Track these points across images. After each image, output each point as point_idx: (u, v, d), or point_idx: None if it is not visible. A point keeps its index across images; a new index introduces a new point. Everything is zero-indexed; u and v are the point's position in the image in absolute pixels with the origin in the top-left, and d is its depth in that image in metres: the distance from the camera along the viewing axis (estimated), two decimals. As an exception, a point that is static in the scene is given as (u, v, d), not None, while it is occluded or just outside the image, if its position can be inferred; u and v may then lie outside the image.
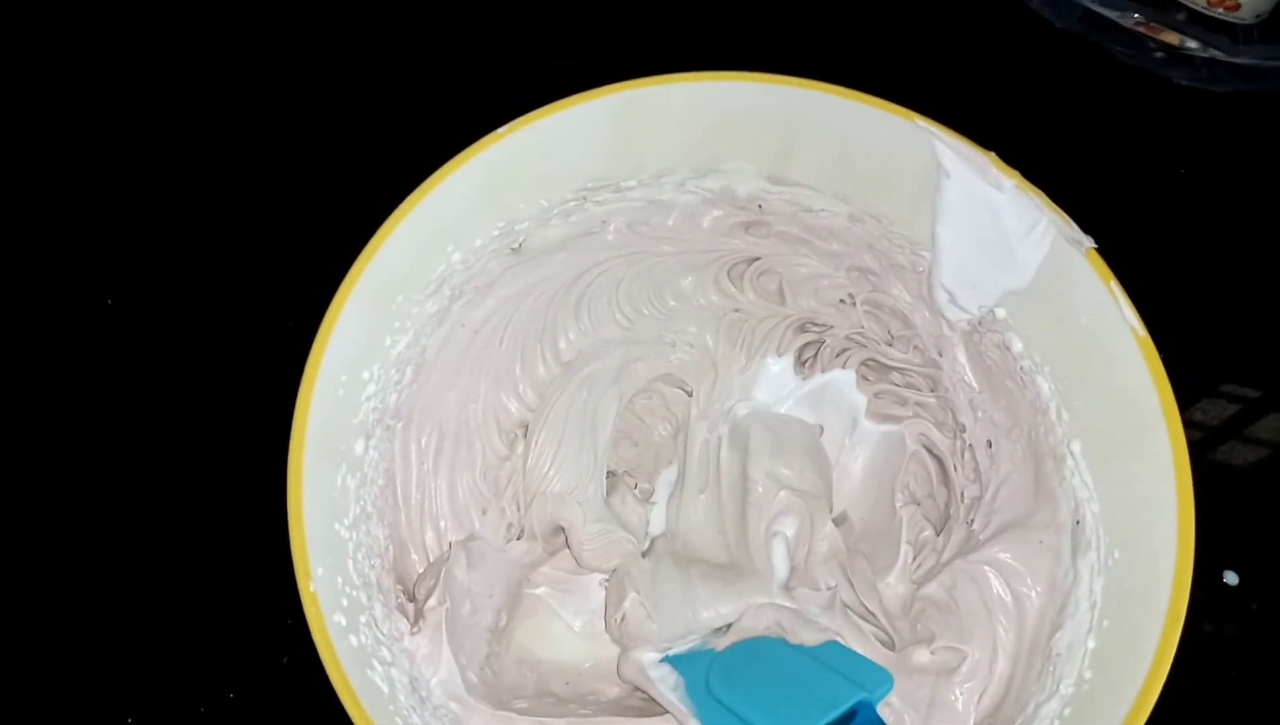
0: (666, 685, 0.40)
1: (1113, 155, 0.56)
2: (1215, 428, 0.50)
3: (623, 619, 0.41)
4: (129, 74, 0.59)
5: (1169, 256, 0.53)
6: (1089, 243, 0.40)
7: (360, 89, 0.59)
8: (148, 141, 0.57)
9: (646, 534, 0.46)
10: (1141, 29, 0.55)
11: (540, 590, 0.45)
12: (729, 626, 0.42)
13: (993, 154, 0.41)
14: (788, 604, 0.42)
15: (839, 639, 0.41)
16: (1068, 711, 0.36)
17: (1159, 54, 0.55)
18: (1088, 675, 0.36)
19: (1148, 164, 0.56)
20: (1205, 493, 0.35)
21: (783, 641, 0.41)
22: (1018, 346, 0.43)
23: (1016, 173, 0.41)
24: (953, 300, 0.45)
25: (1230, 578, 0.46)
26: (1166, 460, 0.36)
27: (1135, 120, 0.57)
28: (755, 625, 0.41)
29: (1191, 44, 0.53)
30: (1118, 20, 0.54)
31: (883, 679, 0.38)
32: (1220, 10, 0.54)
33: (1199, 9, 0.55)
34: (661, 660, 0.41)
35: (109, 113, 0.58)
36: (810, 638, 0.41)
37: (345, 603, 0.35)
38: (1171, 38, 0.54)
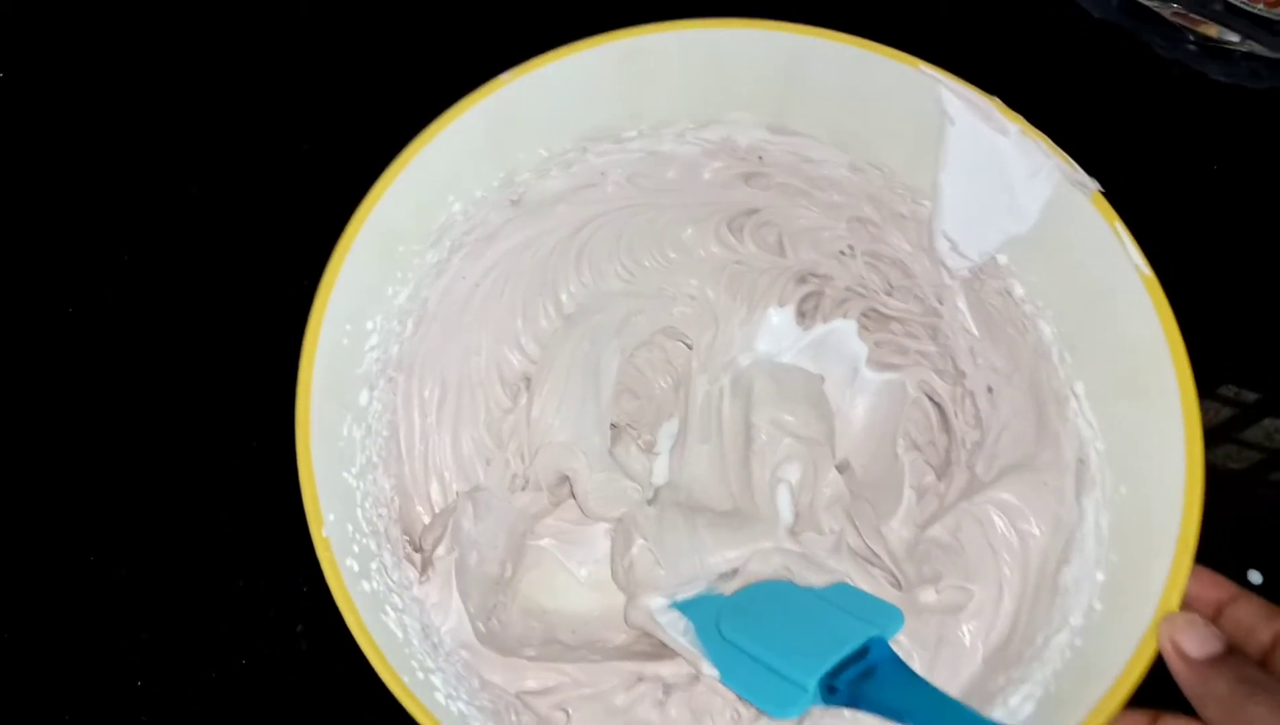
0: (676, 629, 0.40)
1: (1142, 148, 0.56)
2: (1210, 430, 0.50)
3: (630, 565, 0.41)
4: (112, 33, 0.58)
5: (1188, 251, 0.51)
6: (1094, 185, 0.40)
7: (361, 35, 0.58)
8: (145, 94, 0.56)
9: (650, 484, 0.46)
10: (1180, 20, 0.54)
11: (545, 542, 0.45)
12: (736, 572, 0.42)
13: (997, 99, 0.41)
14: (794, 548, 0.42)
15: (847, 580, 0.41)
16: (1079, 642, 0.36)
17: (1196, 47, 0.55)
18: (1097, 607, 0.37)
19: (1177, 158, 0.55)
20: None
21: (791, 584, 0.41)
22: (1019, 292, 0.43)
23: (1021, 117, 0.41)
24: (954, 248, 0.45)
25: (1254, 577, 0.47)
26: (1173, 394, 0.36)
27: (1167, 114, 0.56)
28: (762, 569, 0.42)
29: (1231, 36, 0.52)
30: (1157, 10, 0.53)
31: (893, 616, 0.38)
32: (1260, 6, 0.53)
33: (1238, 3, 0.54)
34: (669, 606, 0.41)
35: (106, 71, 0.57)
36: (818, 580, 0.41)
37: (356, 549, 0.35)
38: (1210, 29, 0.53)
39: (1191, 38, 0.55)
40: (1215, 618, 0.35)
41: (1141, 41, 0.56)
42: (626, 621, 0.42)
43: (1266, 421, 0.49)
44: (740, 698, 0.39)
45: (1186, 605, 0.34)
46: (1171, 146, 0.56)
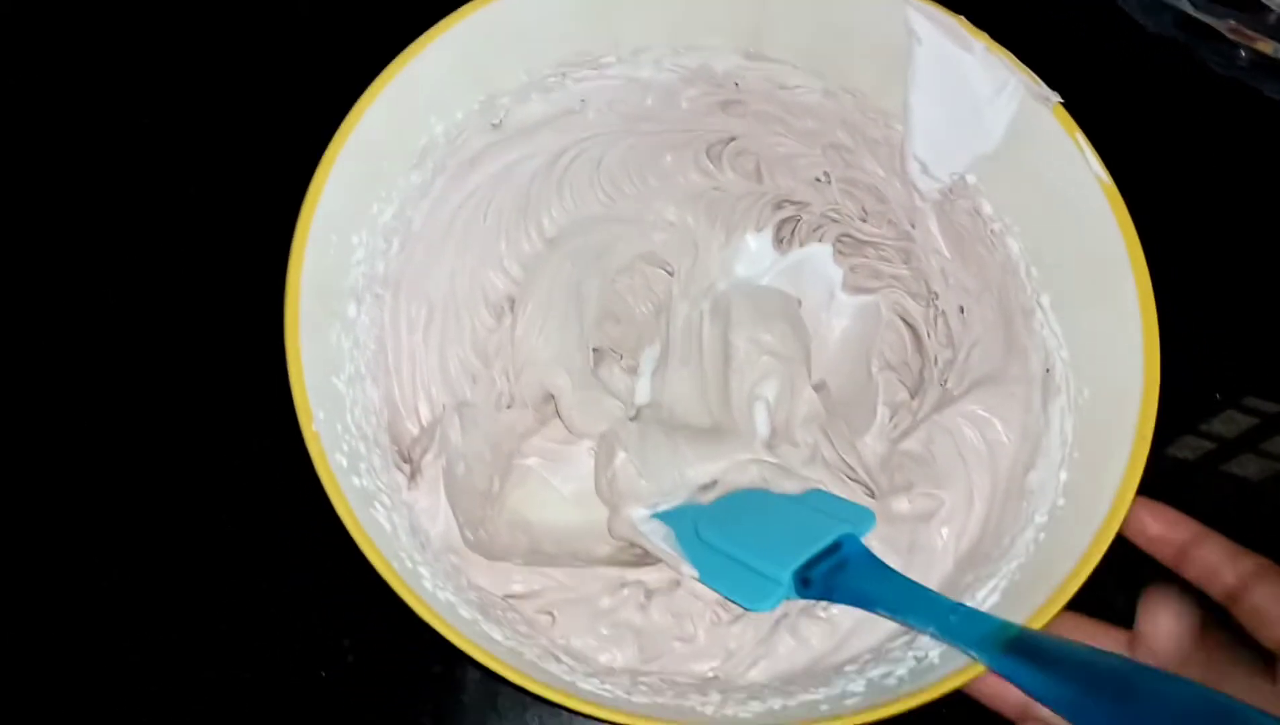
0: (657, 536, 0.41)
1: (1193, 162, 0.55)
2: (1230, 440, 0.50)
3: (613, 477, 0.43)
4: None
5: (1231, 262, 0.53)
6: (1056, 98, 0.41)
7: None
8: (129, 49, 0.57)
9: (633, 404, 0.47)
10: (1237, 35, 0.53)
11: (531, 461, 0.46)
12: (715, 483, 0.43)
13: (961, 17, 0.42)
14: (771, 459, 0.43)
15: (822, 487, 0.42)
16: (1042, 537, 0.38)
17: (1251, 63, 0.54)
18: (1060, 503, 0.38)
19: (1228, 174, 0.55)
20: (1216, 503, 0.35)
21: (767, 492, 0.42)
22: (988, 210, 0.45)
23: (985, 34, 0.42)
24: (925, 170, 0.46)
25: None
26: (1131, 296, 0.38)
27: (1220, 129, 0.56)
28: (740, 480, 0.43)
29: None
30: (1213, 24, 0.52)
31: (865, 516, 0.40)
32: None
33: None
34: (651, 517, 0.43)
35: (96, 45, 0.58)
36: (793, 488, 0.42)
37: (345, 448, 0.36)
38: (1266, 46, 0.52)
39: (1245, 54, 0.54)
40: (1179, 559, 0.35)
41: (1196, 57, 0.55)
42: (610, 532, 0.43)
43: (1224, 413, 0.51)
44: (723, 599, 0.41)
45: (1151, 547, 0.34)
46: (1223, 162, 0.56)
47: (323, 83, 0.42)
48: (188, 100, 0.54)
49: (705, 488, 0.43)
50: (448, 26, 0.41)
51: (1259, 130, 0.56)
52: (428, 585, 0.34)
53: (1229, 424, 0.50)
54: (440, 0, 0.41)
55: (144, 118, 0.54)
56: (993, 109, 0.43)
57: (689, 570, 0.40)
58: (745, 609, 0.39)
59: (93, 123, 0.54)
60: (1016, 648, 0.31)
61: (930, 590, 0.36)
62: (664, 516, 0.43)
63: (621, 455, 0.43)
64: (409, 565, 0.34)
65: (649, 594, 0.42)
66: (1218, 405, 0.50)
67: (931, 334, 0.48)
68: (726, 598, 0.40)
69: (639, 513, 0.43)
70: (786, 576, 0.37)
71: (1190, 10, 0.52)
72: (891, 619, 0.37)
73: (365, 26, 0.49)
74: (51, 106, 0.55)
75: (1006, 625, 0.32)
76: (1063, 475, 0.39)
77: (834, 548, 0.38)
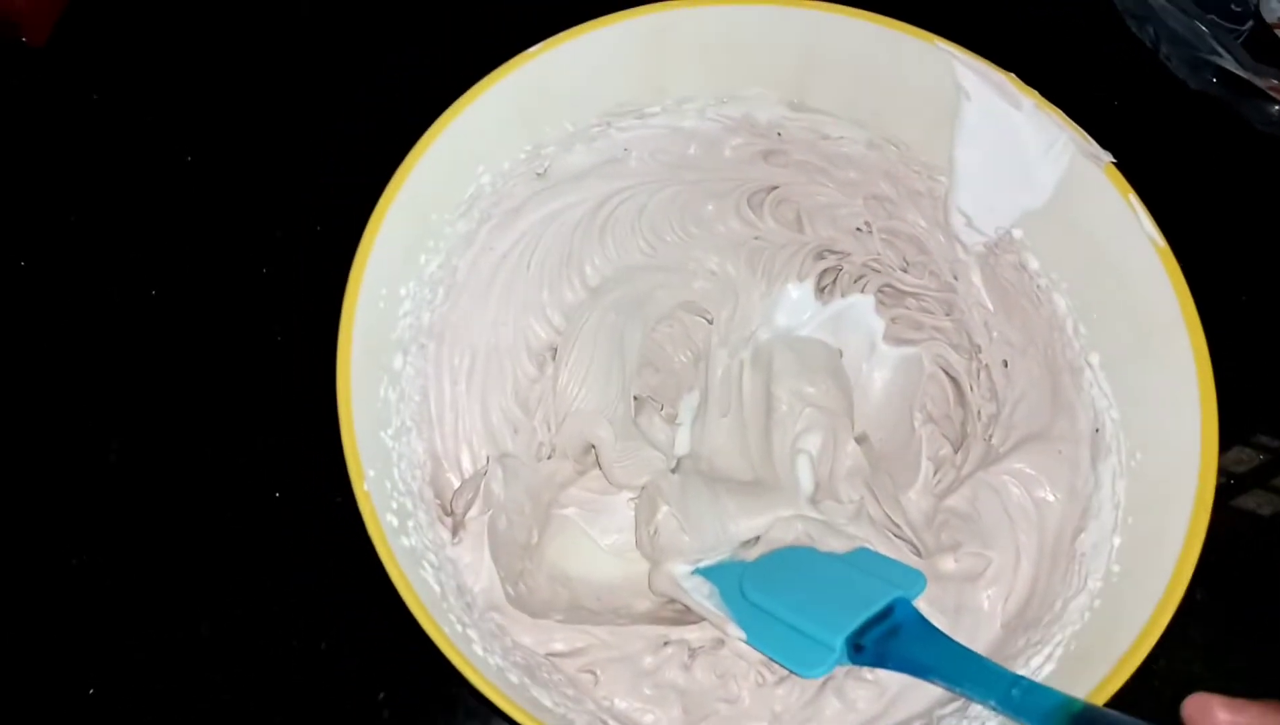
0: (700, 594, 0.41)
1: (1233, 215, 0.56)
2: (1241, 476, 0.50)
3: (655, 532, 0.42)
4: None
5: (1257, 309, 0.53)
6: (1107, 157, 0.41)
7: (399, 13, 0.59)
8: (184, 74, 0.57)
9: (673, 454, 0.46)
10: (1277, 92, 0.54)
11: (569, 511, 0.45)
12: (758, 539, 0.43)
13: (1012, 74, 0.42)
14: (815, 515, 0.43)
15: (868, 545, 0.42)
16: (1097, 604, 0.37)
17: None
18: (1116, 569, 0.38)
19: (1266, 226, 0.56)
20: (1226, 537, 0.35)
21: (813, 549, 0.42)
22: (1034, 265, 0.44)
23: (1035, 92, 0.42)
24: (969, 223, 0.46)
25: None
26: (1188, 362, 0.37)
27: (1260, 183, 0.57)
28: (784, 536, 0.42)
29: None
30: (1254, 81, 0.53)
31: (915, 578, 0.39)
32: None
33: None
34: (693, 572, 0.42)
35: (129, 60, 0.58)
36: (839, 545, 0.42)
37: (394, 506, 0.35)
38: None
39: (1274, 110, 0.55)
40: None
41: (1238, 113, 0.56)
42: (651, 588, 0.43)
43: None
44: (767, 658, 0.40)
45: None
46: (1262, 215, 0.56)
47: (374, 132, 0.42)
48: (238, 153, 0.55)
49: (748, 544, 0.43)
50: (498, 79, 0.41)
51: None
52: (478, 650, 0.34)
53: (1239, 461, 0.50)
54: (490, 53, 0.41)
55: (197, 169, 0.54)
56: (1042, 165, 0.43)
57: (736, 632, 0.39)
58: (797, 675, 0.39)
59: (151, 177, 0.54)
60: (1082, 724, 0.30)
61: (989, 660, 0.35)
62: (707, 572, 0.42)
63: (664, 508, 0.42)
64: (459, 629, 0.34)
65: (692, 653, 0.41)
66: (1227, 441, 0.50)
67: (974, 387, 0.47)
68: (776, 661, 0.39)
69: (681, 568, 0.42)
70: (839, 642, 0.36)
71: (1232, 67, 0.52)
72: (947, 688, 0.36)
73: (416, 80, 0.49)
74: (110, 160, 0.55)
75: (1071, 701, 0.31)
76: (1116, 540, 0.38)
77: (886, 612, 0.37)
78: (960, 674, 0.34)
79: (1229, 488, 0.50)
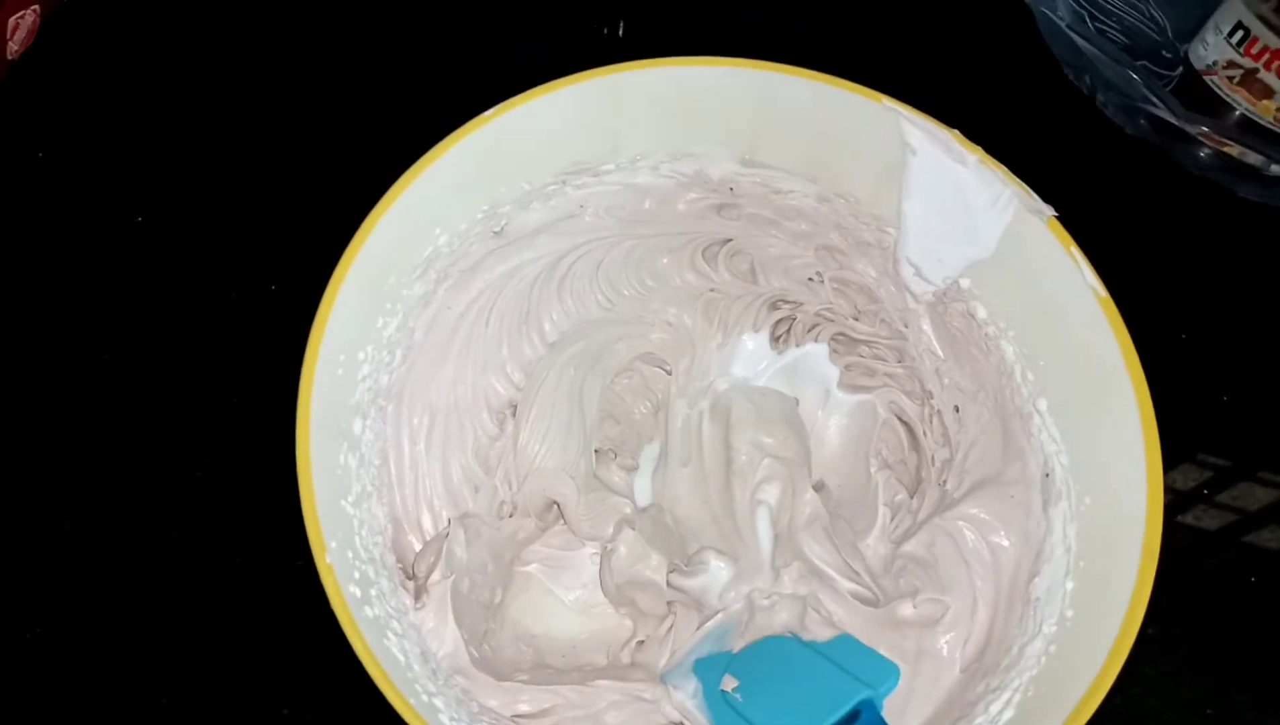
0: (686, 693, 0.41)
1: (1166, 256, 0.57)
2: (1186, 493, 0.52)
3: (620, 554, 0.42)
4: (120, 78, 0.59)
5: (1199, 343, 0.55)
6: (1049, 211, 0.42)
7: (352, 77, 0.59)
8: (134, 133, 0.57)
9: (635, 504, 0.46)
10: (1205, 139, 0.55)
11: (531, 568, 0.45)
12: (746, 624, 0.42)
13: (956, 131, 0.44)
14: (797, 592, 0.43)
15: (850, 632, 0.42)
16: (1053, 649, 0.38)
17: (1219, 165, 0.56)
18: (1069, 614, 0.38)
19: (1196, 267, 0.57)
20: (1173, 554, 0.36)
21: (796, 639, 0.42)
22: (982, 313, 0.46)
23: (979, 148, 0.43)
24: (918, 273, 0.47)
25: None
26: (1131, 407, 0.39)
27: (1194, 227, 0.58)
28: (771, 624, 0.42)
29: (1253, 158, 0.54)
30: (1186, 128, 0.54)
31: (890, 673, 0.39)
32: (1271, 120, 0.55)
33: (1266, 124, 0.56)
34: (691, 669, 0.42)
35: (102, 116, 0.57)
36: (826, 634, 0.42)
37: (357, 575, 0.35)
38: (1232, 149, 0.55)
39: (1214, 156, 0.57)
40: None
41: (1172, 157, 0.58)
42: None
43: (1239, 485, 0.52)
44: None
45: None
46: (1196, 254, 0.58)
47: (329, 194, 0.42)
48: (190, 214, 0.54)
49: (736, 631, 0.42)
50: (454, 142, 0.41)
51: (1232, 228, 0.58)
52: (445, 720, 0.34)
53: (1183, 478, 0.52)
54: (447, 115, 0.42)
55: (148, 230, 0.54)
56: (987, 219, 0.44)
57: None
58: None
59: (101, 238, 0.54)
60: None
61: None
62: (699, 666, 0.42)
63: (630, 533, 0.43)
64: (424, 699, 0.34)
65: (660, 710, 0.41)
66: (1235, 476, 0.52)
67: (928, 433, 0.48)
68: None
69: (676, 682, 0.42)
70: None
71: (1163, 114, 0.54)
72: None
73: (373, 142, 0.50)
74: (64, 213, 0.54)
75: None
76: (1069, 584, 0.39)
77: (854, 714, 0.38)
78: None
79: (1174, 505, 0.51)
